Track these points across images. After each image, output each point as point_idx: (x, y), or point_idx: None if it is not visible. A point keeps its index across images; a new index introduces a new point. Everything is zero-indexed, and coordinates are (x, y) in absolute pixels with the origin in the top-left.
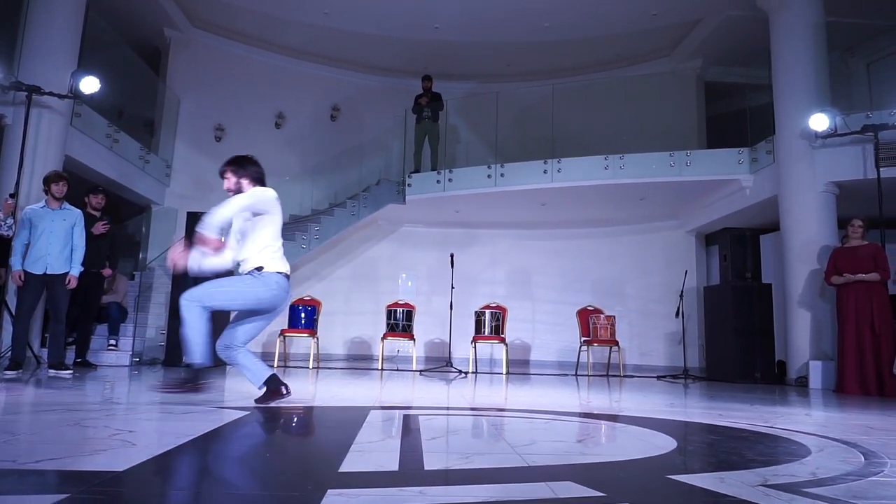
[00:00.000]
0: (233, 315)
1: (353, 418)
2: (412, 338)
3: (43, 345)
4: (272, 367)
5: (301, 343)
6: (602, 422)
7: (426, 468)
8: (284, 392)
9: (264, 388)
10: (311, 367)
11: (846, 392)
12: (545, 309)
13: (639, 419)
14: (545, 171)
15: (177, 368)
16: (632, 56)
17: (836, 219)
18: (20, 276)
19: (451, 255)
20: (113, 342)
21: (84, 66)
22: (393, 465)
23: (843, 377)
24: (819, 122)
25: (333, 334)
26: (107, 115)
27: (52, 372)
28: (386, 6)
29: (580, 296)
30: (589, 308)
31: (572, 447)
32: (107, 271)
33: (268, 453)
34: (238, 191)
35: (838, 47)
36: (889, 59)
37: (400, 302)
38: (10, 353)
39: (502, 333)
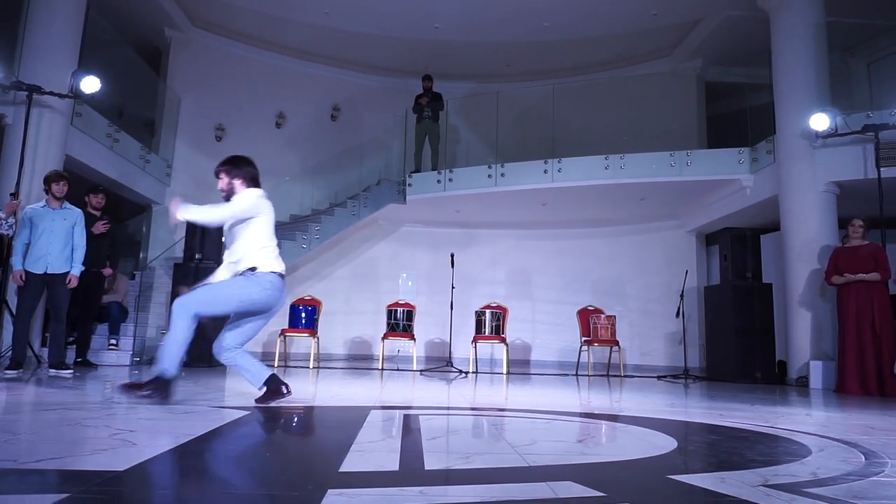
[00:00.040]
0: (232, 317)
1: (353, 418)
2: (412, 338)
3: (43, 344)
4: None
5: (301, 343)
6: (602, 422)
7: (426, 468)
8: (285, 391)
9: (264, 388)
10: (311, 366)
11: (847, 392)
12: (545, 309)
13: (639, 419)
14: (545, 171)
15: None
16: (632, 56)
17: (837, 219)
18: (21, 276)
19: (452, 255)
20: (113, 342)
21: (84, 66)
22: (393, 464)
23: (844, 377)
24: (819, 121)
25: (334, 334)
26: (107, 115)
27: (52, 371)
28: (386, 6)
29: (580, 296)
30: (589, 308)
31: (573, 447)
32: (107, 271)
33: (268, 453)
34: (230, 191)
35: (839, 47)
36: (889, 58)
37: (400, 302)
38: (10, 352)
39: (503, 333)
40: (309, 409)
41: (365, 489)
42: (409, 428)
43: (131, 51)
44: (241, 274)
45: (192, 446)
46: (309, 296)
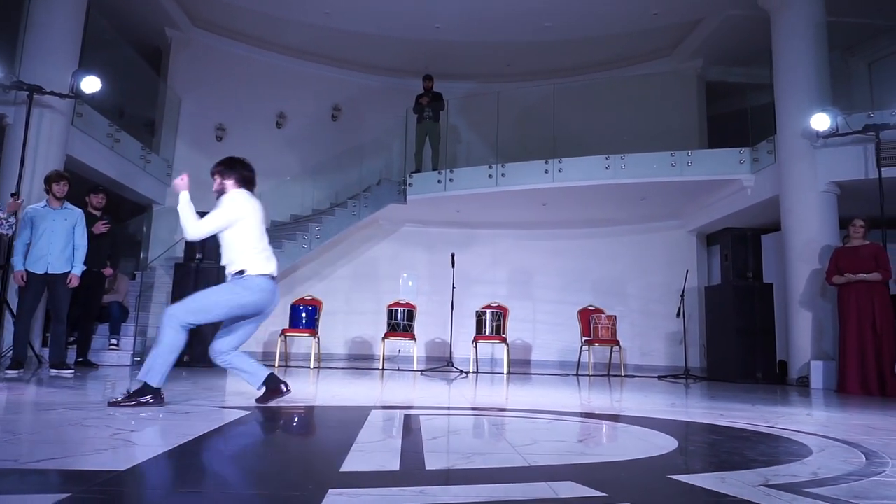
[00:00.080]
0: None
1: (354, 418)
2: (413, 338)
3: (44, 344)
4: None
5: (302, 343)
6: (603, 422)
7: (427, 468)
8: (284, 390)
9: (263, 388)
10: (311, 366)
11: (847, 392)
12: (546, 309)
13: (640, 419)
14: (546, 171)
15: (178, 368)
16: (633, 56)
17: (838, 218)
18: (22, 277)
19: (452, 255)
20: (114, 342)
21: (85, 66)
22: (394, 464)
23: (845, 377)
24: (820, 121)
25: (334, 334)
26: (108, 115)
27: (53, 371)
28: (386, 6)
29: (581, 296)
30: (590, 308)
31: (573, 447)
32: (108, 271)
33: (269, 453)
34: (221, 192)
35: (839, 47)
36: (890, 58)
37: (401, 302)
38: (11, 352)
39: (503, 333)
40: (309, 409)
41: (365, 489)
42: (410, 428)
43: (132, 51)
44: (231, 278)
45: (193, 446)
46: (309, 296)
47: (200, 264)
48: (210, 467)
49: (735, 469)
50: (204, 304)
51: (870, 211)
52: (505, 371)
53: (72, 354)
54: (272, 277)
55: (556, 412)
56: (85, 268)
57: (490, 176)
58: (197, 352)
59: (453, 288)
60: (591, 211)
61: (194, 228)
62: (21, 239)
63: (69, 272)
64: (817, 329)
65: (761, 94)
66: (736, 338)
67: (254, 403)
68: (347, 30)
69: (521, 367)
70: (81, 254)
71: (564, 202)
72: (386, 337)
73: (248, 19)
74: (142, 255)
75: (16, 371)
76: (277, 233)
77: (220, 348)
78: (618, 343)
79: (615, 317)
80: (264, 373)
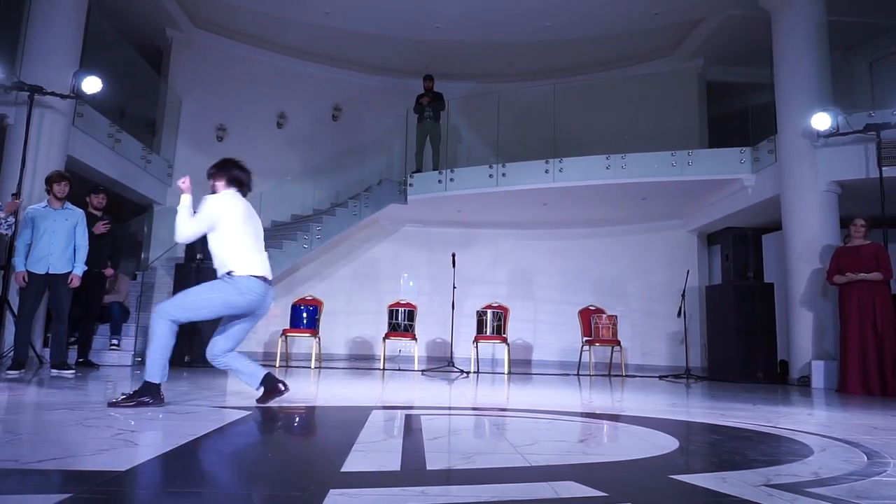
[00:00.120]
0: (220, 322)
1: (354, 418)
2: (414, 338)
3: (45, 345)
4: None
5: (303, 343)
6: (604, 421)
7: (428, 468)
8: (282, 389)
9: (262, 389)
10: (312, 366)
11: (849, 392)
12: (547, 309)
13: (641, 419)
14: (547, 171)
15: (178, 368)
16: (633, 56)
17: (839, 218)
18: (24, 278)
19: (453, 255)
20: (115, 342)
21: (86, 66)
22: (395, 464)
23: (846, 377)
24: (821, 121)
25: (335, 334)
26: (109, 115)
27: (54, 372)
28: (387, 6)
29: (582, 295)
30: (591, 308)
31: (574, 447)
32: (108, 271)
33: (270, 453)
34: (213, 192)
35: (840, 46)
36: (891, 58)
37: (402, 302)
38: (12, 353)
39: (504, 333)
40: (310, 409)
41: (366, 489)
42: (411, 428)
43: (132, 51)
44: (220, 278)
45: (194, 447)
46: (310, 296)
47: (201, 264)
48: (211, 468)
49: (736, 469)
50: (192, 302)
51: (871, 210)
52: (506, 371)
53: (73, 355)
54: (263, 278)
55: (557, 412)
56: (86, 268)
57: (490, 176)
58: (198, 352)
59: (454, 288)
60: (592, 211)
61: (179, 230)
62: (22, 239)
63: (70, 272)
64: (818, 329)
65: (762, 94)
66: (737, 337)
67: (254, 404)
68: (348, 30)
69: (521, 367)
70: (83, 254)
71: (565, 202)
72: (387, 337)
73: (248, 19)
74: (142, 256)
75: (17, 371)
76: (278, 233)
77: (216, 350)
78: (619, 343)
79: (616, 317)
80: (261, 373)
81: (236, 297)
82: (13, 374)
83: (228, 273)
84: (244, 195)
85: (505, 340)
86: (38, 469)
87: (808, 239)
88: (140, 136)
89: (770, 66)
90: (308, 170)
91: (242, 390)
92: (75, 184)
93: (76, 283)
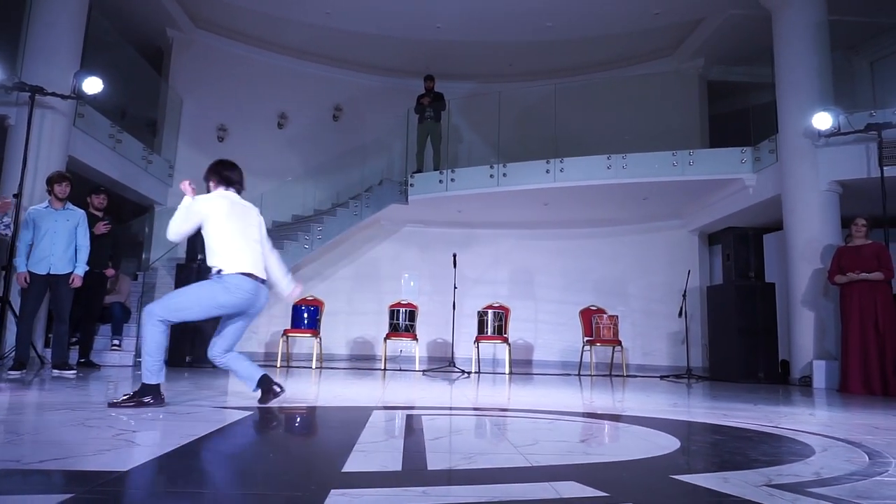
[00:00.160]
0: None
1: (355, 418)
2: (415, 338)
3: (46, 345)
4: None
5: (304, 343)
6: (605, 422)
7: (429, 468)
8: (277, 390)
9: (258, 390)
10: (313, 367)
11: (850, 392)
12: (548, 309)
13: (642, 419)
14: (548, 171)
15: (179, 369)
16: (634, 55)
17: (840, 218)
18: (25, 278)
19: (454, 255)
20: (116, 342)
21: (87, 67)
22: (396, 465)
23: (847, 377)
24: (822, 120)
25: (336, 334)
26: (110, 116)
27: (55, 372)
28: (387, 6)
29: (583, 295)
30: (592, 308)
31: (575, 447)
32: (109, 271)
33: (271, 453)
34: (207, 192)
35: (841, 46)
36: (892, 57)
37: (402, 302)
38: (14, 353)
39: (505, 333)
40: (311, 410)
41: (368, 489)
42: (412, 428)
43: (133, 51)
44: (209, 276)
45: (195, 447)
46: (311, 296)
47: (203, 265)
48: (212, 468)
49: (737, 469)
50: (180, 303)
51: (872, 210)
52: (507, 371)
53: (74, 355)
54: (253, 276)
55: (558, 412)
56: (87, 268)
57: (491, 176)
58: (199, 352)
59: (455, 288)
60: (593, 211)
61: (168, 228)
62: (23, 240)
63: (71, 273)
64: (819, 328)
65: (763, 94)
66: (738, 337)
67: (255, 404)
68: (348, 30)
69: (522, 368)
70: (84, 254)
71: (566, 202)
72: (388, 337)
73: (249, 20)
74: (143, 256)
75: (18, 372)
76: (279, 233)
77: (215, 351)
78: (620, 343)
79: (617, 317)
80: (258, 374)
81: (225, 296)
82: (14, 374)
83: (218, 272)
84: (239, 193)
85: (506, 340)
86: (39, 469)
87: (809, 239)
88: (141, 137)
89: (771, 66)
90: (309, 170)
91: (243, 391)
92: (76, 184)
93: (78, 283)
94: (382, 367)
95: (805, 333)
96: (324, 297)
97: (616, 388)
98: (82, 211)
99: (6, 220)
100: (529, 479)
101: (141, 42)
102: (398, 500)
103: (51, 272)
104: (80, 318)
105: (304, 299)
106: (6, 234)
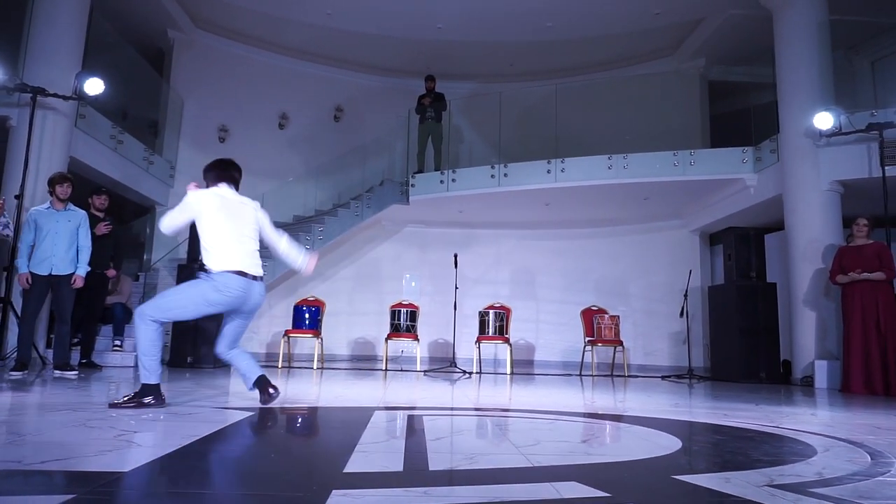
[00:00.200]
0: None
1: (357, 419)
2: (416, 338)
3: (48, 346)
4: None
5: (305, 343)
6: (607, 422)
7: (431, 469)
8: (271, 392)
9: (255, 390)
10: (314, 367)
11: (852, 392)
12: (549, 309)
13: (643, 419)
14: (549, 171)
15: (181, 369)
16: (635, 55)
17: (841, 218)
18: (27, 279)
19: (455, 256)
20: (118, 343)
21: (88, 68)
22: (397, 465)
23: (849, 377)
24: (823, 120)
25: (337, 335)
26: (111, 117)
27: (57, 373)
28: (388, 6)
29: (584, 296)
30: (593, 308)
31: (577, 447)
32: (110, 272)
33: (272, 454)
34: None
35: (842, 45)
36: (893, 56)
37: (404, 302)
38: (15, 354)
39: (506, 334)
40: (313, 410)
41: (369, 490)
42: (413, 429)
43: (134, 52)
44: (197, 275)
45: (197, 447)
46: (312, 297)
47: (203, 265)
48: (213, 468)
49: (739, 469)
50: (171, 302)
51: (873, 210)
52: (508, 371)
53: (75, 356)
54: (242, 273)
55: (560, 412)
56: (89, 269)
57: (492, 176)
58: (200, 353)
59: (456, 288)
60: (594, 211)
61: (163, 220)
62: (25, 241)
63: (73, 273)
64: (821, 328)
65: (764, 94)
66: (739, 337)
67: (256, 405)
68: (349, 30)
69: (524, 368)
70: (86, 255)
71: (567, 202)
72: (389, 338)
73: (250, 20)
74: (145, 257)
75: (20, 372)
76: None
77: (220, 348)
78: (621, 343)
79: (618, 317)
80: (255, 375)
81: (214, 294)
82: (16, 375)
83: (207, 270)
84: (236, 188)
85: (507, 341)
86: (41, 470)
87: (810, 238)
88: (142, 138)
89: (772, 66)
90: (310, 170)
91: (244, 391)
92: (77, 185)
93: (79, 283)
94: (384, 368)
95: (806, 333)
96: (325, 297)
97: (617, 389)
98: (84, 212)
99: (4, 220)
100: (531, 480)
101: (142, 43)
102: (400, 501)
103: (52, 273)
104: (82, 318)
105: (305, 300)
106: (7, 235)
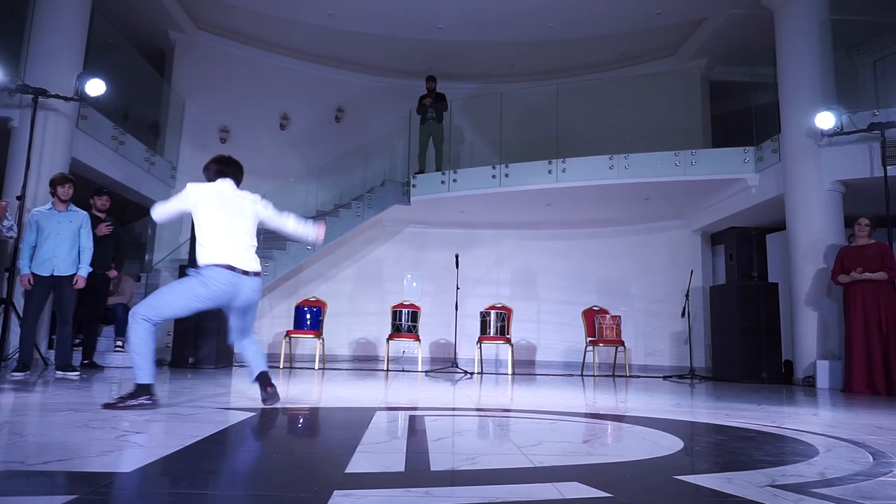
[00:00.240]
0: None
1: (358, 419)
2: (417, 339)
3: (50, 346)
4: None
5: (306, 344)
6: (608, 422)
7: (432, 469)
8: (269, 390)
9: (255, 384)
10: (316, 368)
11: (854, 392)
12: (550, 309)
13: (645, 419)
14: (550, 172)
15: (182, 370)
16: (636, 55)
17: (843, 217)
18: (29, 280)
19: (456, 256)
20: (119, 343)
21: (89, 69)
22: (399, 466)
23: (851, 377)
24: (825, 120)
25: (339, 335)
26: (112, 118)
27: (59, 373)
28: (389, 7)
29: (585, 296)
30: (594, 308)
31: (578, 448)
32: (112, 273)
33: (274, 454)
34: None
35: (844, 45)
36: (895, 56)
37: (405, 303)
38: (17, 354)
39: (507, 334)
40: (314, 411)
41: (371, 490)
42: (415, 429)
43: (136, 53)
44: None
45: (198, 448)
46: (314, 297)
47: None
48: (215, 469)
49: (741, 469)
50: (160, 300)
51: (875, 210)
52: (509, 372)
53: (77, 357)
54: (232, 268)
55: (561, 413)
56: (91, 269)
57: (494, 176)
58: (202, 353)
59: (457, 289)
60: (595, 211)
61: (155, 208)
62: (27, 242)
63: (75, 274)
64: (823, 328)
65: (765, 93)
66: (741, 337)
67: (258, 405)
68: (350, 31)
69: (525, 368)
70: (87, 255)
71: (568, 202)
72: (390, 338)
73: (251, 21)
74: (146, 258)
75: (22, 373)
76: (281, 234)
77: (232, 339)
78: (622, 343)
79: (620, 317)
80: (258, 370)
81: (201, 288)
82: (18, 375)
83: (196, 267)
84: (237, 183)
85: (508, 341)
86: (43, 470)
87: (812, 238)
88: (143, 139)
89: (773, 66)
90: (311, 171)
91: (246, 391)
92: (79, 186)
93: (81, 284)
94: (385, 368)
95: (808, 333)
96: (326, 298)
97: (619, 389)
98: (85, 212)
99: (8, 222)
100: (532, 480)
101: (143, 44)
102: (401, 501)
103: (54, 274)
104: (84, 319)
105: (306, 300)
106: (11, 237)
